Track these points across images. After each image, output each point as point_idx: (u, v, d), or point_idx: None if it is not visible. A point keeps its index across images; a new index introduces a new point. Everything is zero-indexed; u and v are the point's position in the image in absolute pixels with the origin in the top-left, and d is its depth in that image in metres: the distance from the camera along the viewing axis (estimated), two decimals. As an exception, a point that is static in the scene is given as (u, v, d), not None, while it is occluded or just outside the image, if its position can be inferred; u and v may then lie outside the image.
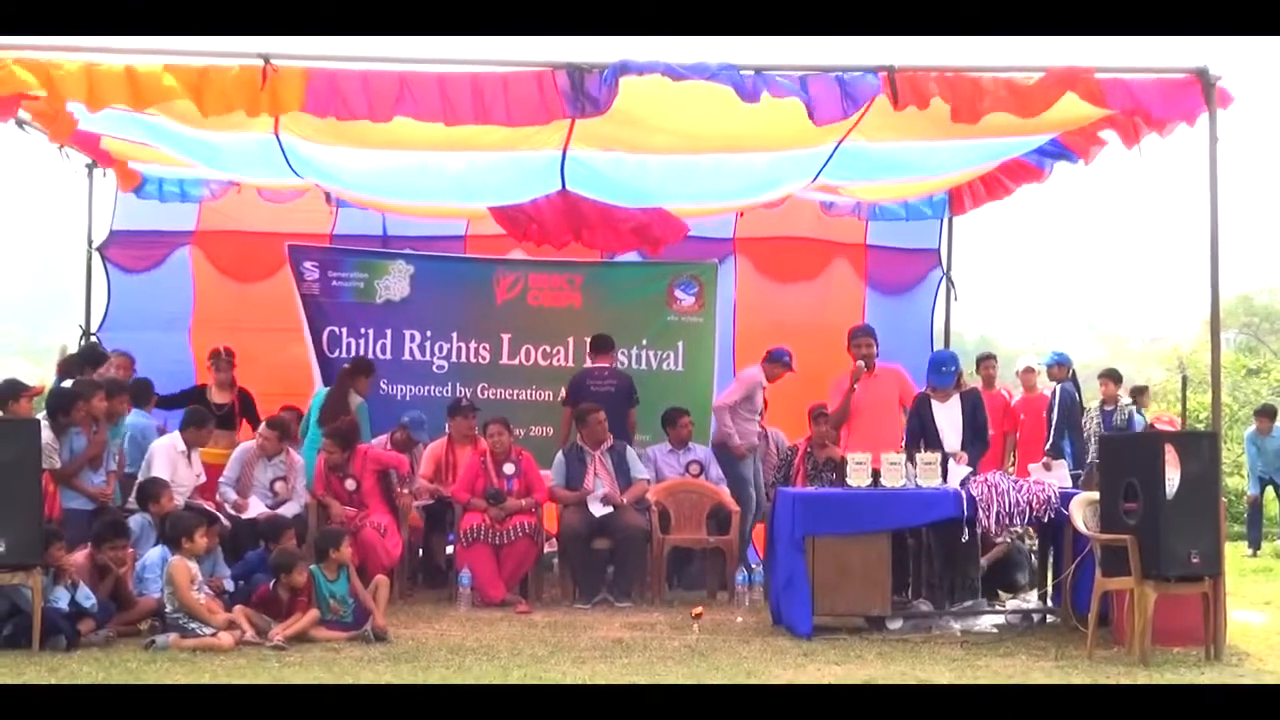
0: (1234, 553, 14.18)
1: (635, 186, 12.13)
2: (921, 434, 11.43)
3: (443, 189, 12.41)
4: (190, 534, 9.96)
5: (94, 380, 11.25)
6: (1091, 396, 16.96)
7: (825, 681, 8.39)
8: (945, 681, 8.41)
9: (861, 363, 11.90)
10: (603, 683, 8.25)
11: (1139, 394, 16.93)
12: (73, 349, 13.81)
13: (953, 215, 14.73)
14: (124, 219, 14.65)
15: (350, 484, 11.99)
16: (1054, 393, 15.51)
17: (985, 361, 16.03)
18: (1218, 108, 9.78)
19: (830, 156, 11.29)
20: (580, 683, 8.25)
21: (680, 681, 8.33)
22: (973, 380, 12.78)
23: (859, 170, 11.94)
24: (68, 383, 11.65)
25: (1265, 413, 18.24)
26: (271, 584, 10.10)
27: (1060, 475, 14.16)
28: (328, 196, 14.00)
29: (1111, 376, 16.14)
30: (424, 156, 11.16)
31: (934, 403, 11.56)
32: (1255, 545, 17.47)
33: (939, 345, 15.08)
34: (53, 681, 8.08)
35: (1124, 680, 8.48)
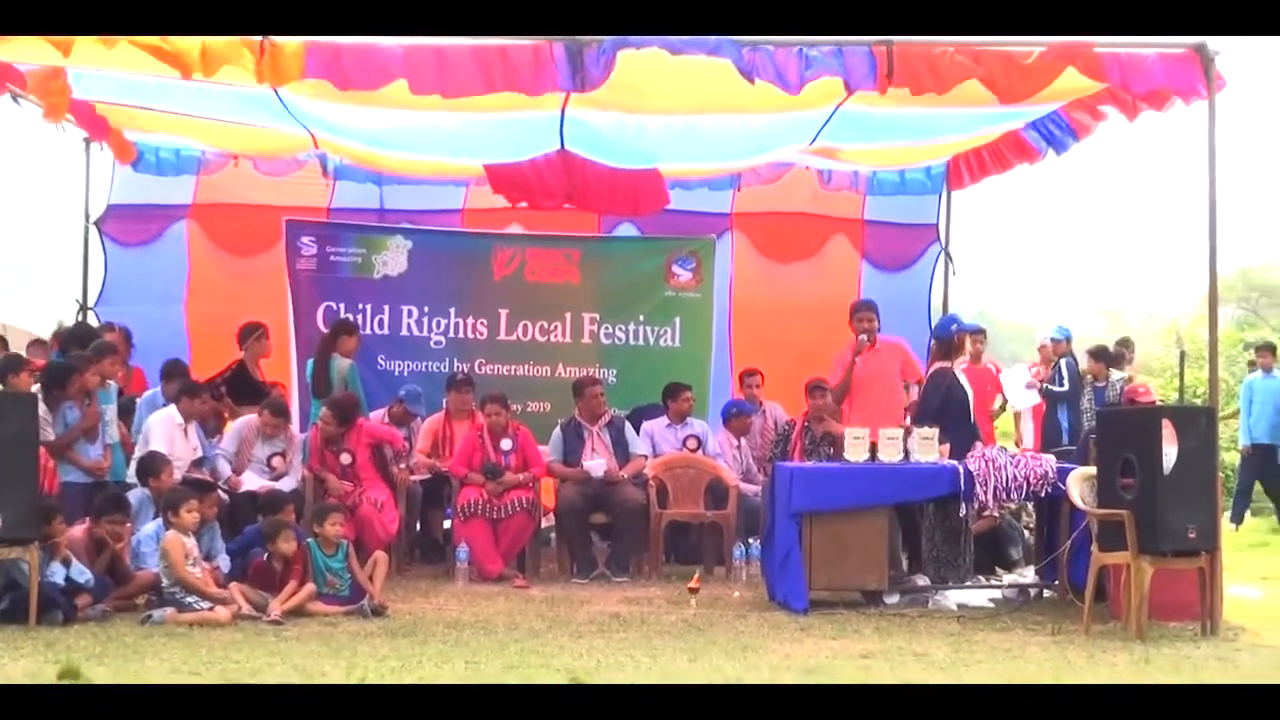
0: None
1: (633, 147, 12.17)
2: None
3: (442, 144, 12.41)
4: (177, 509, 9.92)
5: (87, 355, 11.22)
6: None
7: (822, 654, 8.41)
8: (942, 654, 8.44)
9: (863, 336, 11.86)
10: (600, 658, 8.25)
11: (1116, 359, 16.51)
12: (69, 324, 13.77)
13: (950, 190, 14.76)
14: (121, 193, 14.63)
15: (345, 458, 11.99)
16: (1056, 366, 15.58)
17: (974, 336, 15.79)
18: (1215, 87, 9.78)
19: (829, 119, 11.28)
20: (579, 659, 8.25)
21: (677, 655, 8.36)
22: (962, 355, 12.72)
23: (858, 133, 11.94)
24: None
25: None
26: (265, 556, 10.12)
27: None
28: (324, 169, 14.00)
29: (1098, 354, 16.01)
30: (423, 115, 11.13)
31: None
32: (1238, 518, 17.28)
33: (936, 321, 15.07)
34: (49, 655, 8.07)
35: (1121, 654, 8.51)
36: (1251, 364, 18.60)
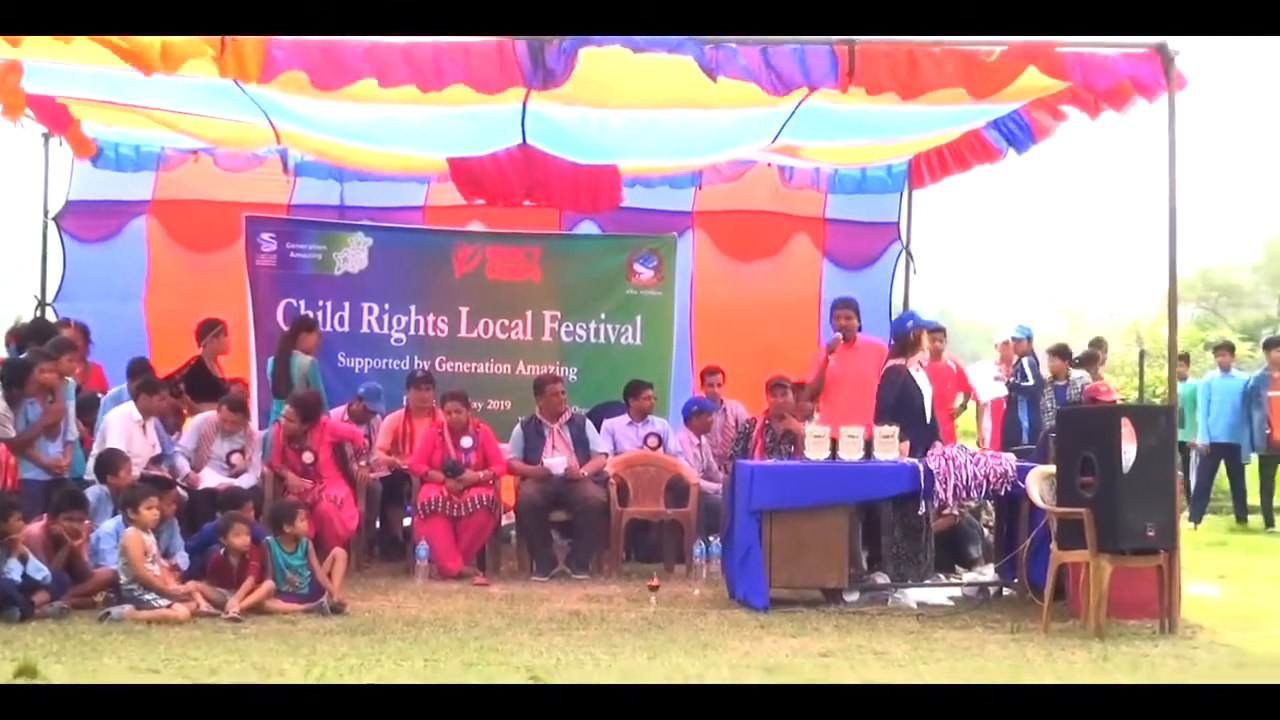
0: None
1: (596, 143, 12.15)
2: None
3: (404, 136, 12.34)
4: (136, 506, 9.88)
5: (46, 350, 11.13)
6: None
7: (782, 652, 8.43)
8: (902, 652, 8.47)
9: (839, 334, 11.84)
10: (559, 656, 8.26)
11: (1090, 360, 16.55)
12: (27, 319, 13.69)
13: (911, 189, 14.81)
14: (80, 189, 14.57)
15: (308, 456, 11.94)
16: (1017, 365, 15.61)
17: (933, 333, 15.73)
18: (1175, 87, 9.82)
19: (791, 115, 11.30)
20: (538, 657, 8.25)
21: (637, 653, 8.38)
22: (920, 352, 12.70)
23: (820, 131, 11.96)
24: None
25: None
26: (222, 551, 10.08)
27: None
28: (285, 165, 13.95)
29: (1059, 353, 16.05)
30: (386, 108, 11.08)
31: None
32: (1197, 517, 17.30)
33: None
34: (5, 652, 8.03)
35: (1079, 652, 8.54)
36: (1182, 357, 18.49)
